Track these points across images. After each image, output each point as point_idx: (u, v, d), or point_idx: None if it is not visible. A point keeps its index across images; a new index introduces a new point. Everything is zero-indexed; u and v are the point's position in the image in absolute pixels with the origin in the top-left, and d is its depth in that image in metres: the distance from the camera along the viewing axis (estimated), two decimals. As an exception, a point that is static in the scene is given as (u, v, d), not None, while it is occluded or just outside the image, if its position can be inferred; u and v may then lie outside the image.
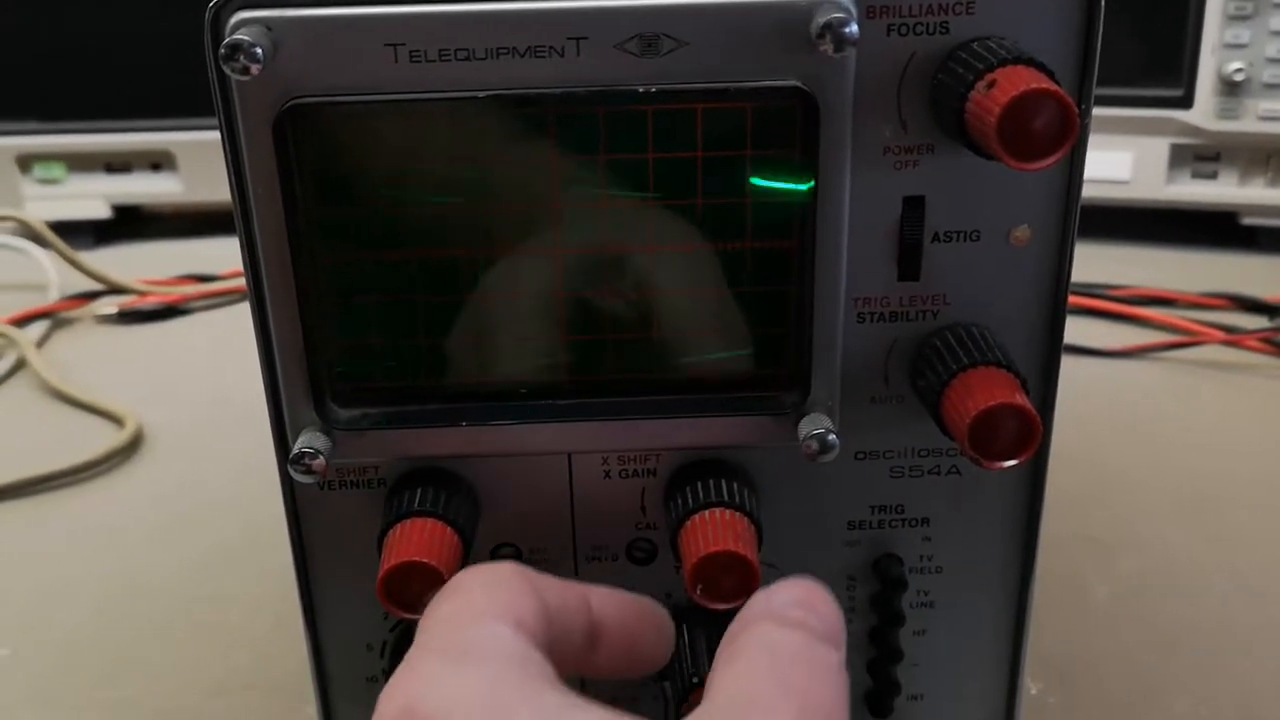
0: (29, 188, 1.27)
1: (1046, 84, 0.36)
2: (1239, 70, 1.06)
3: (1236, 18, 1.05)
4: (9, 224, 1.20)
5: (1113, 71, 1.05)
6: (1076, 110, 0.36)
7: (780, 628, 0.36)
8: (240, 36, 0.38)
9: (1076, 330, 0.98)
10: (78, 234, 1.25)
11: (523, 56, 0.39)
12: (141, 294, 1.14)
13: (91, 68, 1.24)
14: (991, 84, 0.37)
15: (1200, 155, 1.13)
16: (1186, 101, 1.09)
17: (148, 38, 1.23)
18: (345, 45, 0.39)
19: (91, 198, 1.28)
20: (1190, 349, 0.97)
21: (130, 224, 1.33)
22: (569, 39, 0.39)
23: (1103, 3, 0.40)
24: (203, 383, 0.97)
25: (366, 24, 0.39)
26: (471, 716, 0.32)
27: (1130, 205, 1.16)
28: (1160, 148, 1.12)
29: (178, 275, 1.18)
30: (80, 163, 1.28)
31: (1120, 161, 1.13)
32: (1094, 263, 1.06)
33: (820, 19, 0.38)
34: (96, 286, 1.15)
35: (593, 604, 0.40)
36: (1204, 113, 1.09)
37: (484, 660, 0.35)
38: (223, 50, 0.38)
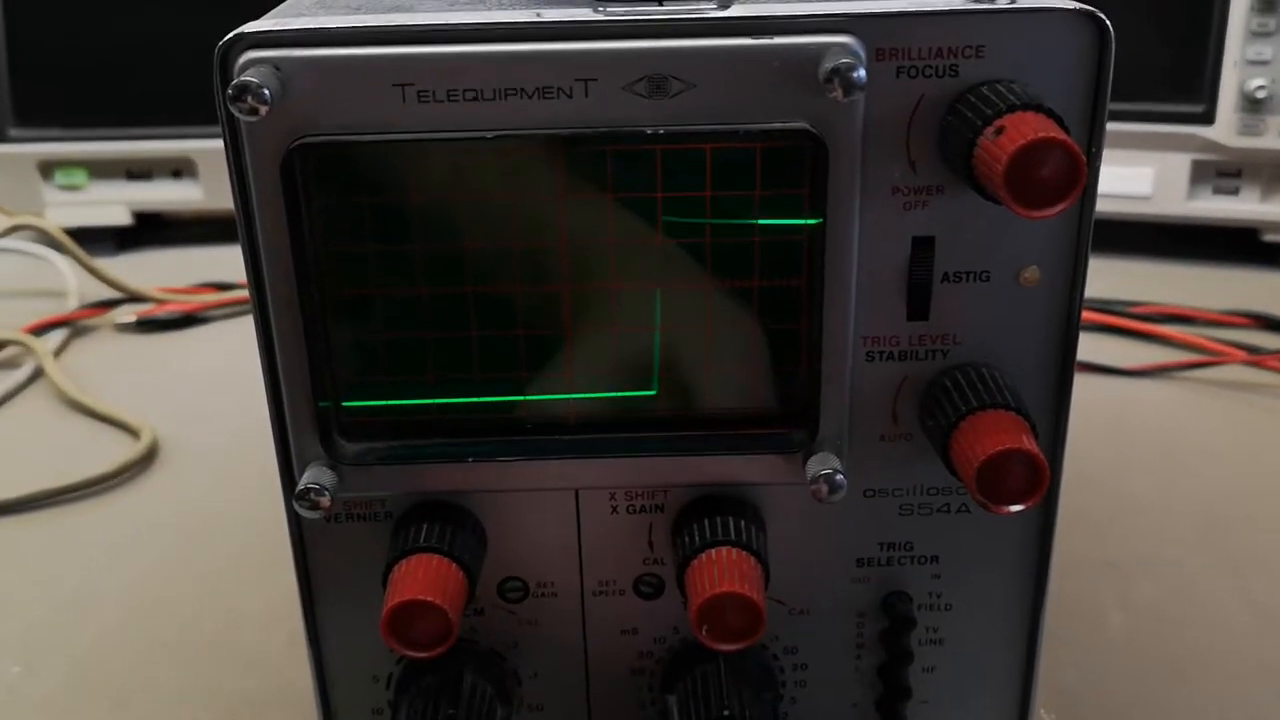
0: (51, 194, 1.28)
1: (1055, 132, 0.35)
2: (1261, 87, 1.05)
3: (1259, 34, 1.04)
4: (29, 231, 1.21)
5: (1134, 87, 1.05)
6: (1084, 159, 0.35)
7: None
8: (248, 78, 0.38)
9: (1096, 348, 0.98)
10: (99, 241, 1.26)
11: (531, 97, 0.39)
12: (160, 302, 1.15)
13: (113, 75, 1.25)
14: (1000, 130, 0.36)
15: (1222, 171, 1.12)
16: (1208, 118, 1.08)
17: (169, 45, 1.23)
18: (354, 85, 0.39)
19: (113, 204, 1.29)
20: (1211, 368, 0.96)
21: (152, 230, 1.34)
22: (578, 80, 0.39)
23: (1113, 47, 0.39)
24: (219, 393, 0.97)
25: (375, 64, 0.39)
26: None
27: (1151, 221, 1.15)
28: (1182, 164, 1.12)
29: (197, 283, 1.18)
30: (102, 169, 1.28)
31: (1141, 177, 1.13)
32: (1114, 279, 1.06)
33: (828, 64, 0.38)
34: (115, 294, 1.15)
35: None
36: (1226, 129, 1.08)
37: None
38: (230, 91, 0.38)
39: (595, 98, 0.39)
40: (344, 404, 0.44)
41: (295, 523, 0.47)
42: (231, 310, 1.15)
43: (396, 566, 0.43)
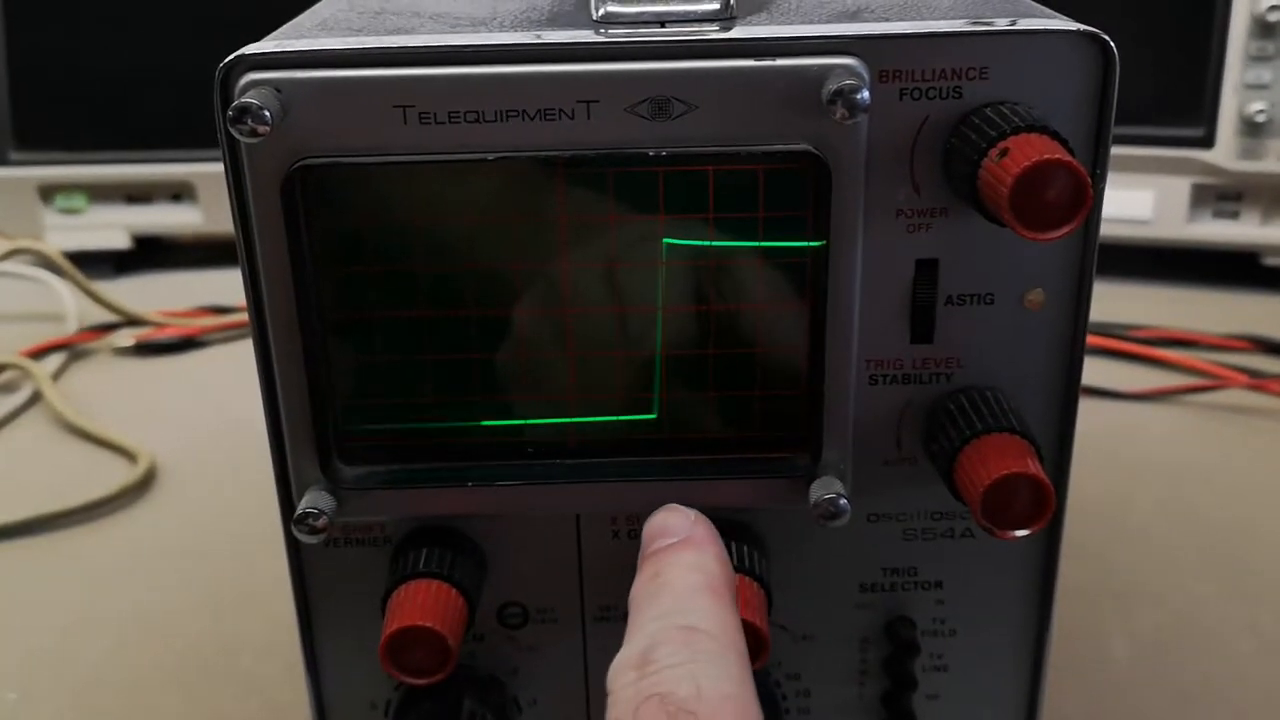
0: (51, 218, 1.27)
1: (1060, 154, 0.35)
2: (1261, 111, 1.05)
3: (1258, 59, 1.04)
4: (29, 255, 1.21)
5: (1134, 110, 1.04)
6: (1089, 180, 0.35)
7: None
8: (248, 100, 0.37)
9: (1096, 372, 0.97)
10: (98, 264, 1.25)
11: (533, 119, 0.39)
12: (159, 326, 1.14)
13: (113, 99, 1.25)
14: (1004, 152, 0.36)
15: (1222, 195, 1.12)
16: (1208, 141, 1.08)
17: (169, 69, 1.23)
18: (355, 107, 0.39)
19: (112, 228, 1.29)
20: (1212, 393, 0.96)
21: (151, 254, 1.34)
22: (579, 102, 0.39)
23: (1117, 68, 0.39)
24: (217, 417, 0.96)
25: (376, 86, 0.39)
26: None
27: (1151, 244, 1.15)
28: (1182, 187, 1.11)
29: (196, 307, 1.18)
30: (101, 193, 1.28)
31: (1141, 201, 1.13)
32: (1114, 302, 1.05)
33: (832, 85, 0.38)
34: (114, 318, 1.15)
35: None
36: (1225, 153, 1.08)
37: None
38: (230, 113, 0.38)
39: (597, 120, 0.39)
40: (344, 428, 0.44)
41: (293, 547, 0.46)
42: (230, 334, 1.15)
43: (395, 592, 0.43)
